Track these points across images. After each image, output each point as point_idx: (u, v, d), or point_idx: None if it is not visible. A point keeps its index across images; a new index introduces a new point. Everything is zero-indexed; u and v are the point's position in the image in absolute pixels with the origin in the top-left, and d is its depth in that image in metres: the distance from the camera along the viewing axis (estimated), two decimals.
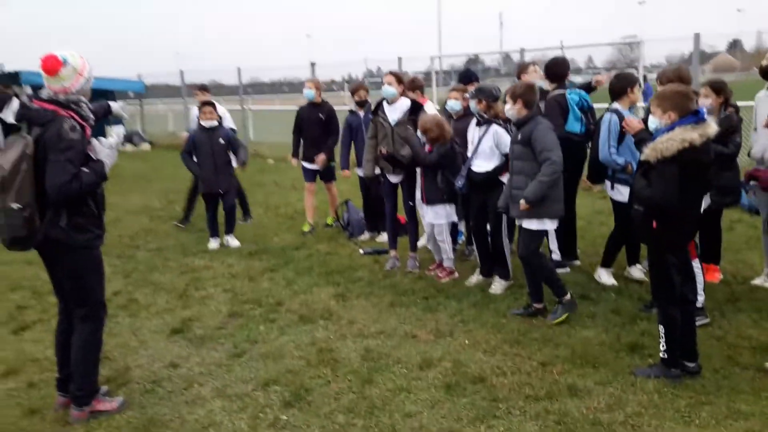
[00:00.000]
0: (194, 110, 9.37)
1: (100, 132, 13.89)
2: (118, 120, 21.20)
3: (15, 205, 3.46)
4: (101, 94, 20.06)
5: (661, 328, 4.17)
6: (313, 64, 16.01)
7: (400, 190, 6.74)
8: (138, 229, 8.98)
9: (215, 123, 7.61)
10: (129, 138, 20.42)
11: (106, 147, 3.83)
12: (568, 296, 5.15)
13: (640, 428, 3.61)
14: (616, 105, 5.63)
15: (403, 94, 6.73)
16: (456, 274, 6.32)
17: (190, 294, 6.13)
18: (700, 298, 5.04)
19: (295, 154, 8.44)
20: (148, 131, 22.29)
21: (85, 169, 3.63)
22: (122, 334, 5.20)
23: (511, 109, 5.05)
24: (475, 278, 6.15)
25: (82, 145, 3.64)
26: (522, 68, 6.86)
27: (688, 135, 3.83)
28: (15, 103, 3.70)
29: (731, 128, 5.53)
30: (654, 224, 4.05)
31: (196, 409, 3.99)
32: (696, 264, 5.04)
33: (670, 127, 3.93)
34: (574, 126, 5.96)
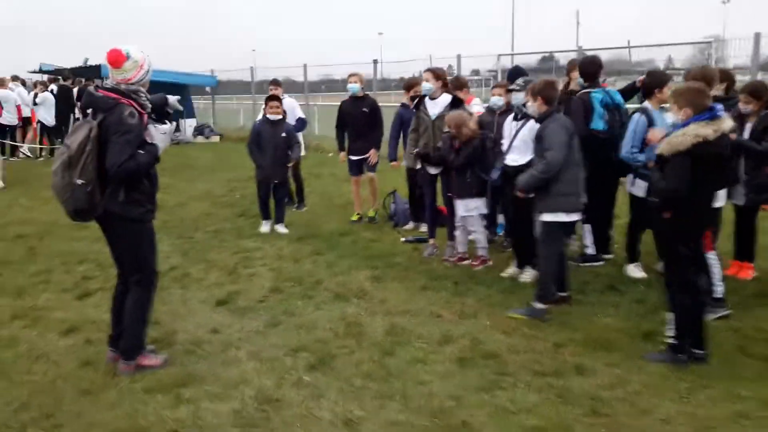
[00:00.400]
0: None
1: (175, 125, 14.56)
2: (191, 113, 22.22)
3: (79, 181, 3.94)
4: (176, 87, 21.09)
5: (669, 315, 4.34)
6: (375, 62, 16.39)
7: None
8: (200, 213, 9.56)
9: (280, 117, 8.04)
10: (200, 131, 21.36)
11: (160, 132, 4.27)
12: (543, 306, 5.18)
13: (637, 405, 3.81)
14: (646, 104, 5.76)
15: (446, 90, 7.00)
16: (490, 262, 6.56)
17: (239, 271, 6.60)
18: (719, 289, 5.17)
19: (342, 148, 8.77)
20: (219, 124, 23.18)
21: (141, 151, 4.08)
22: (173, 303, 5.69)
23: (532, 106, 5.26)
24: (511, 270, 6.35)
25: (140, 130, 4.09)
26: (571, 67, 7.02)
27: (702, 131, 3.99)
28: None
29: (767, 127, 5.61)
30: (668, 215, 4.22)
31: (231, 368, 4.40)
32: (712, 255, 5.18)
33: (686, 123, 4.09)
34: (598, 124, 6.09)
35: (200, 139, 20.93)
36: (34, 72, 23.37)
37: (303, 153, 10.03)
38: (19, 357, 4.65)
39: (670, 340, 4.33)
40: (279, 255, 7.19)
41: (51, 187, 4.05)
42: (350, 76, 8.58)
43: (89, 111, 4.11)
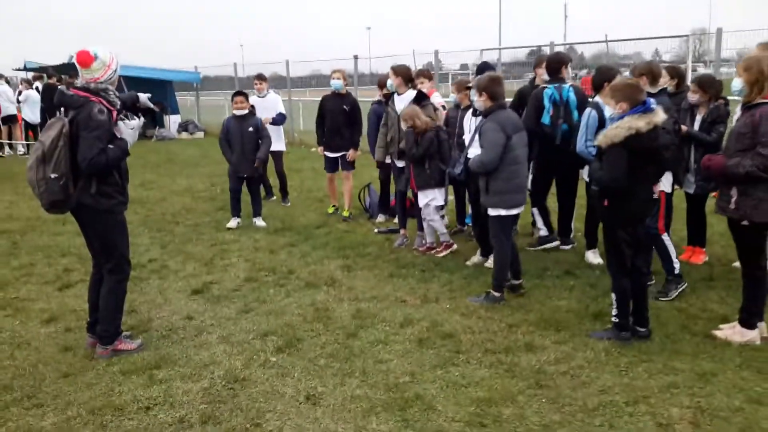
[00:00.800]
0: (250, 99, 10.10)
1: (159, 121, 15.09)
2: (175, 110, 22.31)
3: (53, 175, 4.18)
4: (159, 84, 21.27)
5: (613, 295, 4.64)
6: (356, 57, 16.63)
7: None
8: (180, 207, 9.79)
9: (246, 112, 8.26)
10: (185, 126, 21.53)
11: (129, 128, 4.52)
12: (499, 294, 5.45)
13: (578, 378, 4.11)
14: (597, 98, 6.04)
15: (411, 86, 7.28)
16: (454, 246, 6.86)
17: (215, 262, 6.85)
18: (677, 265, 5.52)
19: (321, 142, 8.93)
20: (204, 120, 23.34)
21: (111, 146, 4.33)
22: (150, 293, 5.94)
23: (477, 101, 5.51)
24: (476, 258, 6.63)
25: (109, 126, 4.33)
26: (538, 62, 7.27)
27: (635, 123, 4.28)
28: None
29: (718, 118, 5.90)
30: (606, 202, 4.51)
31: (202, 351, 4.66)
32: (666, 237, 5.49)
33: (621, 116, 4.38)
34: (545, 118, 6.40)
35: (185, 135, 21.11)
36: (19, 70, 23.45)
37: (284, 149, 10.24)
38: (2, 344, 4.90)
39: (615, 319, 4.62)
40: (255, 247, 7.45)
41: (27, 182, 4.29)
42: (334, 72, 8.70)
43: (61, 109, 4.35)
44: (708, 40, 14.77)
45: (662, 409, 3.70)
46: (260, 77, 10.06)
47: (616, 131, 4.29)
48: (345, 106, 8.57)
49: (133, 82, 21.95)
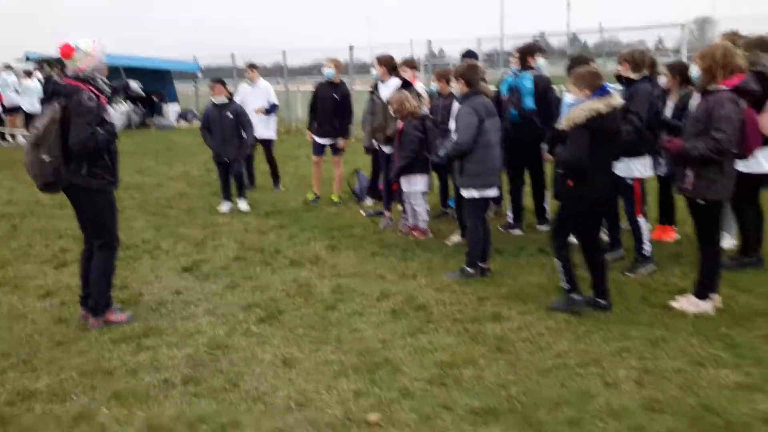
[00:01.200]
0: (242, 86, 10.33)
1: (158, 109, 15.45)
2: (174, 98, 22.59)
3: (46, 157, 4.48)
4: (158, 73, 21.55)
5: (557, 263, 4.92)
6: (351, 48, 16.85)
7: None
8: (175, 192, 10.09)
9: (225, 99, 8.43)
10: (183, 115, 21.81)
11: (117, 113, 4.80)
12: (473, 271, 5.73)
13: (537, 344, 4.39)
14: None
15: (395, 74, 7.55)
16: (429, 234, 7.13)
17: (207, 243, 7.14)
18: (647, 248, 5.78)
19: (310, 127, 9.13)
20: (203, 110, 23.55)
21: (100, 130, 4.61)
22: (142, 271, 6.24)
23: (455, 87, 5.77)
24: (456, 238, 6.91)
25: (98, 111, 4.61)
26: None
27: (595, 105, 4.55)
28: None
29: (688, 104, 6.15)
30: (570, 183, 4.77)
31: (188, 322, 4.96)
32: (641, 219, 5.77)
33: (582, 101, 4.65)
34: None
35: (183, 124, 21.36)
36: (19, 60, 23.71)
37: (274, 137, 10.45)
38: (1, 317, 5.19)
39: (564, 285, 4.93)
40: (245, 228, 7.74)
41: (23, 164, 4.58)
42: (327, 61, 8.92)
43: (54, 96, 4.64)
44: (712, 28, 14.97)
45: (611, 371, 3.98)
46: (251, 65, 10.23)
47: (578, 113, 4.56)
48: (336, 95, 8.74)
49: (133, 72, 22.29)
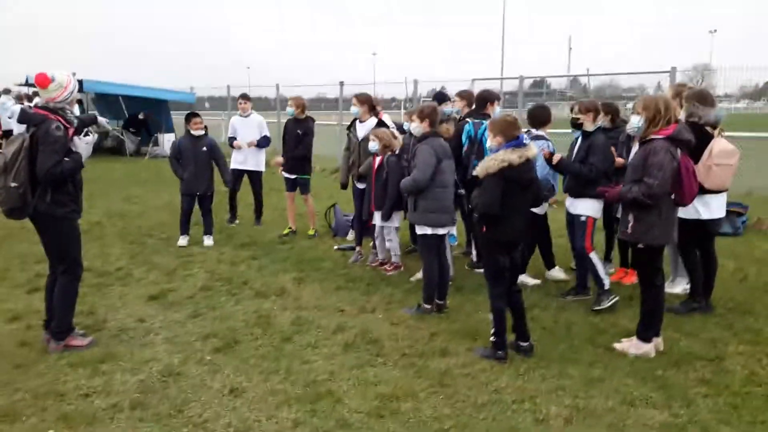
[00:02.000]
0: (234, 118, 10.41)
1: (154, 128, 15.58)
2: (170, 130, 22.82)
3: (13, 184, 4.68)
4: (155, 103, 21.91)
5: (490, 316, 4.95)
6: (341, 83, 17.21)
7: None
8: (156, 221, 10.28)
9: (201, 132, 8.64)
10: None
11: (83, 143, 5.01)
12: (429, 307, 5.90)
13: (478, 379, 4.55)
14: (539, 132, 6.55)
15: (373, 113, 7.80)
16: (401, 268, 7.31)
17: (178, 272, 7.31)
18: (606, 281, 6.01)
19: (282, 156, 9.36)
20: None
21: (66, 159, 4.82)
22: (111, 298, 6.40)
23: (417, 127, 6.00)
24: (419, 274, 7.03)
25: (65, 141, 4.82)
26: (461, 96, 7.67)
27: (507, 156, 4.71)
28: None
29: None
30: (484, 228, 4.95)
31: (146, 350, 5.11)
32: (593, 255, 6.00)
33: (497, 149, 4.82)
34: (463, 152, 6.97)
35: None
36: (21, 84, 24.10)
37: (263, 169, 10.52)
38: None
39: (492, 338, 4.92)
40: (219, 259, 7.91)
41: None
42: (289, 99, 9.26)
43: (24, 125, 4.86)
44: (710, 75, 15.39)
45: (543, 407, 4.13)
46: (244, 97, 10.28)
47: (490, 162, 4.73)
48: (299, 131, 9.01)
49: (131, 101, 22.63)
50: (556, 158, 6.14)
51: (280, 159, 9.44)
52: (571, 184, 6.23)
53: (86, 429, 3.91)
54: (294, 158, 9.09)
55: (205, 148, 8.60)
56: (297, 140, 9.01)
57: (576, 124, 6.15)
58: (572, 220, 6.29)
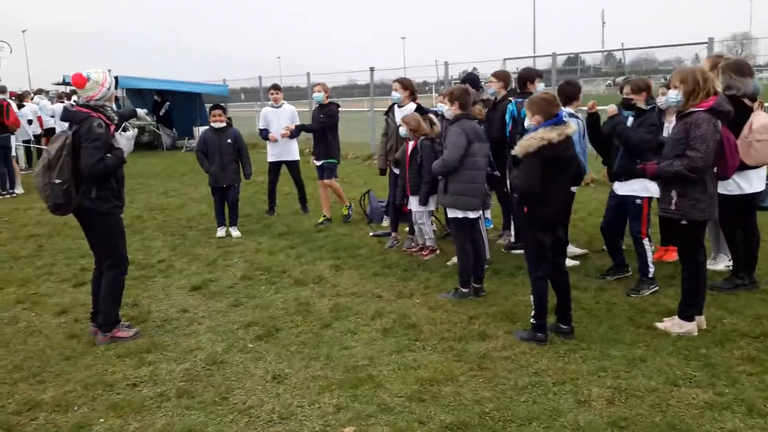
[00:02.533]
0: (265, 109, 10.45)
1: (189, 132, 15.89)
2: (205, 122, 23.03)
3: (57, 180, 4.80)
4: (189, 96, 22.21)
5: (531, 298, 4.92)
6: (372, 69, 17.19)
7: None
8: (196, 213, 10.45)
9: (223, 125, 8.68)
10: None
11: (125, 139, 5.11)
12: (467, 290, 5.89)
13: (517, 362, 4.54)
14: (568, 109, 6.44)
15: (413, 99, 7.77)
16: (437, 251, 7.32)
17: (218, 263, 7.44)
18: (651, 269, 5.88)
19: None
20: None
21: (108, 155, 4.92)
22: (154, 290, 6.54)
23: (449, 110, 5.97)
24: (456, 258, 7.06)
25: (107, 137, 4.93)
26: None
27: (547, 134, 4.63)
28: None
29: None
30: (525, 209, 4.90)
31: (190, 339, 5.22)
32: (646, 242, 5.89)
33: (536, 128, 4.75)
34: (507, 132, 6.90)
35: None
36: (59, 84, 24.65)
37: (298, 158, 10.55)
38: (18, 332, 5.53)
39: (533, 321, 4.89)
40: (257, 249, 8.02)
41: (34, 187, 4.91)
42: (315, 85, 9.30)
43: (67, 123, 4.98)
44: (750, 45, 14.98)
45: (585, 389, 4.12)
46: (275, 87, 10.24)
47: (529, 141, 4.66)
48: (321, 116, 9.10)
49: (166, 95, 23.01)
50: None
51: (274, 135, 9.59)
52: (628, 164, 5.82)
53: (135, 417, 4.01)
54: (318, 144, 9.16)
55: (229, 140, 8.65)
56: (323, 125, 9.07)
57: (629, 105, 5.98)
58: (623, 202, 6.04)
